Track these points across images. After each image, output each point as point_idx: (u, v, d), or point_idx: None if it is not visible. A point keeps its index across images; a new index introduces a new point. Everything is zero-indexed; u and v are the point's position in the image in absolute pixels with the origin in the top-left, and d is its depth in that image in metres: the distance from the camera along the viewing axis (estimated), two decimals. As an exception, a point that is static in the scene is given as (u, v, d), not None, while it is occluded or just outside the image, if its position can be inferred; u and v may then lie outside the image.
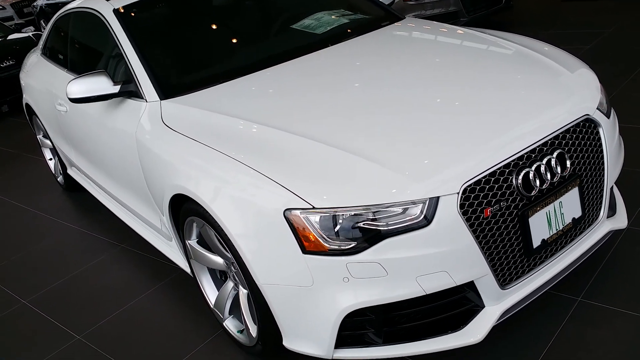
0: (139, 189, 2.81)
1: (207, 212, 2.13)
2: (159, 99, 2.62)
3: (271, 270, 1.95)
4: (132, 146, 2.66)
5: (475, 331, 1.95)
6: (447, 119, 2.07)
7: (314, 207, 1.84)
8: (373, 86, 2.38)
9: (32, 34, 8.39)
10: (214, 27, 3.14)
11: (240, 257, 2.03)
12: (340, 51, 2.83)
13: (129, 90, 2.75)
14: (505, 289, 1.98)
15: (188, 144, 2.30)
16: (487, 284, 1.93)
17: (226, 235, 2.06)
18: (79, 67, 3.44)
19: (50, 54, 4.01)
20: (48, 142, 4.56)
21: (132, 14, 3.04)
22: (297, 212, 1.86)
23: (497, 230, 1.91)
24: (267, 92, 2.51)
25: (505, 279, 1.98)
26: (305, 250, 1.87)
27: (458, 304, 1.96)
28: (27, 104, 4.48)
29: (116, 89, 2.74)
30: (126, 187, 3.00)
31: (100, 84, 2.72)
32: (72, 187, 4.48)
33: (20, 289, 3.33)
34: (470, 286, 1.93)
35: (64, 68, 3.66)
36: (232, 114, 2.34)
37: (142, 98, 2.68)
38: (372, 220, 1.82)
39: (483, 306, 1.98)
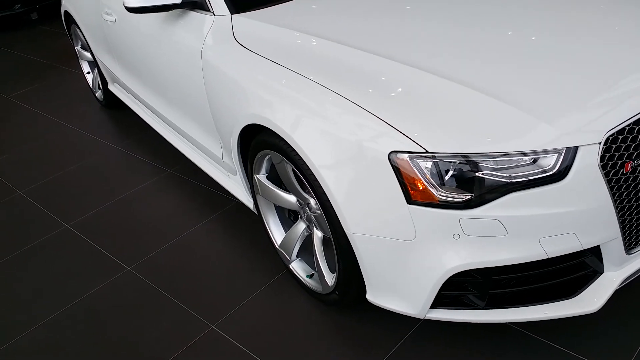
0: (198, 112, 2.55)
1: (288, 146, 1.89)
2: (229, 13, 2.31)
3: (366, 219, 1.71)
4: (196, 65, 2.38)
5: (591, 299, 1.72)
6: (580, 61, 1.76)
7: (426, 151, 1.58)
8: (487, 23, 2.05)
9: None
10: None
11: (327, 201, 1.80)
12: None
13: (193, 1, 2.44)
14: (630, 254, 1.73)
15: (268, 67, 2.02)
16: (612, 248, 1.69)
17: (312, 174, 1.82)
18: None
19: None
20: (87, 54, 4.28)
21: None
22: (405, 155, 1.60)
23: (633, 188, 1.65)
24: (360, 14, 2.19)
25: (631, 242, 1.73)
26: (410, 200, 1.62)
27: (574, 268, 1.73)
28: (66, 12, 4.16)
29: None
30: (182, 110, 2.75)
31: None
32: (112, 104, 4.24)
33: (61, 212, 3.15)
34: (594, 250, 1.69)
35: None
36: (322, 36, 2.04)
37: (209, 11, 2.38)
38: (495, 169, 1.56)
39: (602, 272, 1.74)
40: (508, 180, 1.55)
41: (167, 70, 2.69)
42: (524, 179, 1.55)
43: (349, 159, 1.71)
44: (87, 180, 3.42)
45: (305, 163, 1.84)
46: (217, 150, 2.57)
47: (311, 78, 1.87)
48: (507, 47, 1.87)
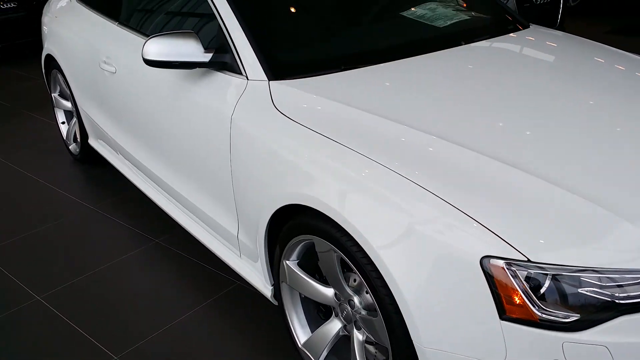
0: (213, 182, 2.28)
1: (343, 233, 1.65)
2: (266, 79, 2.09)
3: (445, 332, 1.46)
4: (222, 130, 2.12)
5: None
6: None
7: (528, 260, 1.36)
8: (563, 109, 1.92)
9: (37, -21, 7.61)
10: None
11: (391, 304, 1.55)
12: (477, 53, 2.37)
13: (223, 62, 2.22)
14: None
15: (319, 141, 1.79)
16: None
17: (373, 270, 1.57)
18: (138, 22, 2.86)
19: (94, 2, 3.40)
20: (66, 103, 3.94)
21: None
22: (501, 262, 1.38)
23: None
24: (415, 90, 2.02)
25: None
26: (504, 315, 1.39)
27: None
28: (49, 55, 3.85)
29: (207, 57, 2.20)
30: (189, 176, 2.46)
31: (188, 47, 2.18)
32: (87, 160, 3.89)
33: (30, 281, 2.74)
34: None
35: (113, 20, 3.07)
36: (378, 112, 1.84)
37: (241, 74, 2.15)
38: (606, 287, 1.36)
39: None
40: (621, 301, 1.35)
41: (180, 132, 2.41)
42: (639, 299, 1.35)
43: (426, 257, 1.47)
44: (60, 245, 3.02)
45: (365, 257, 1.60)
46: (230, 226, 2.28)
47: (374, 158, 1.66)
48: (591, 137, 1.73)
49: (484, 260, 1.39)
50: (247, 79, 2.13)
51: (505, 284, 1.38)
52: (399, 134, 1.75)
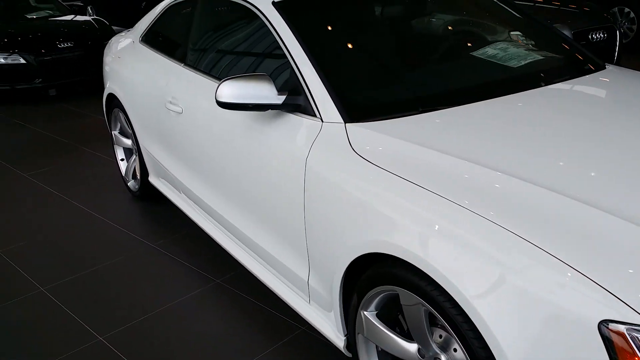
0: (284, 224, 2.22)
1: (433, 285, 1.56)
2: (342, 121, 2.04)
3: (553, 400, 1.35)
4: (295, 173, 2.08)
5: None
6: None
7: (653, 325, 1.25)
8: (632, 149, 1.82)
9: (93, 19, 7.89)
10: (394, 40, 2.59)
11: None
12: (556, 96, 2.28)
13: (296, 104, 2.19)
14: None
15: (402, 186, 1.72)
16: None
17: (470, 329, 1.48)
18: (205, 64, 2.88)
19: (159, 43, 3.46)
20: (126, 141, 3.99)
21: (301, 10, 2.49)
22: (622, 327, 1.27)
23: None
24: (493, 133, 1.94)
25: None
26: (622, 384, 1.28)
27: None
28: (110, 95, 3.91)
29: (280, 99, 2.18)
30: (257, 216, 2.42)
31: (262, 90, 2.16)
32: (146, 197, 3.90)
33: (91, 320, 2.72)
34: None
35: (178, 62, 3.10)
36: (459, 156, 1.77)
37: (315, 116, 2.12)
38: None
39: None
40: None
41: (249, 173, 2.38)
42: None
43: (533, 317, 1.37)
44: (118, 284, 3.00)
45: (454, 307, 1.51)
46: (299, 270, 2.22)
47: (461, 203, 1.57)
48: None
49: (602, 325, 1.29)
50: (322, 121, 2.09)
51: (627, 351, 1.27)
52: (484, 178, 1.66)
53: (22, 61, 6.81)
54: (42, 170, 4.67)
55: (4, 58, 6.77)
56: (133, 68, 3.59)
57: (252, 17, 2.59)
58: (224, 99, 2.18)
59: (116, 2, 12.18)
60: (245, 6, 2.64)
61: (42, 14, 8.17)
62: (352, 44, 2.47)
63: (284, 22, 2.39)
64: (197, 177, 2.89)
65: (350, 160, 1.91)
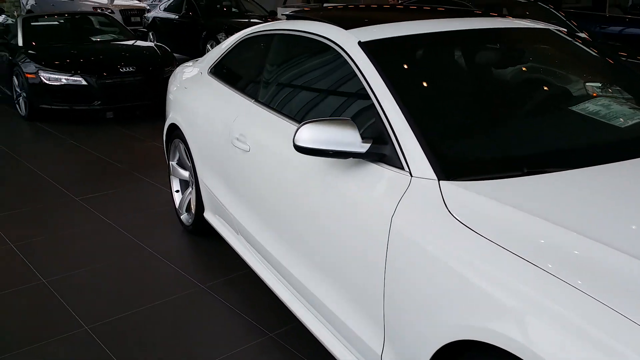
0: (357, 285, 2.01)
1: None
2: (435, 178, 1.83)
3: None
4: (378, 231, 1.87)
5: None
6: None
7: None
8: None
9: (156, 45, 7.96)
10: (492, 90, 2.38)
11: None
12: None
13: (381, 154, 2.00)
14: None
15: (516, 265, 1.48)
16: None
17: None
18: (278, 102, 2.72)
19: (229, 76, 3.34)
20: (184, 173, 3.87)
21: (390, 52, 2.32)
22: None
23: None
24: (609, 204, 1.69)
25: None
26: None
27: None
28: (173, 125, 3.81)
29: (364, 147, 1.99)
30: (325, 271, 2.21)
31: (345, 136, 1.98)
32: (199, 232, 3.75)
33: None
34: None
35: (249, 98, 2.96)
36: (576, 229, 1.53)
37: (402, 169, 1.92)
38: None
39: None
40: None
41: (321, 223, 2.18)
42: None
43: None
44: (167, 328, 2.82)
45: None
46: (372, 341, 1.98)
47: (587, 291, 1.33)
48: None
49: None
50: (411, 176, 1.88)
51: None
52: (606, 258, 1.42)
53: (84, 82, 6.87)
54: (94, 195, 4.59)
55: (66, 78, 6.85)
56: (199, 99, 3.48)
57: (334, 55, 2.43)
58: (303, 142, 2.01)
59: (177, 30, 12.42)
60: (327, 44, 2.49)
61: (107, 37, 8.30)
62: (446, 91, 2.28)
63: (370, 63, 2.22)
64: (259, 221, 2.71)
65: (447, 225, 1.68)
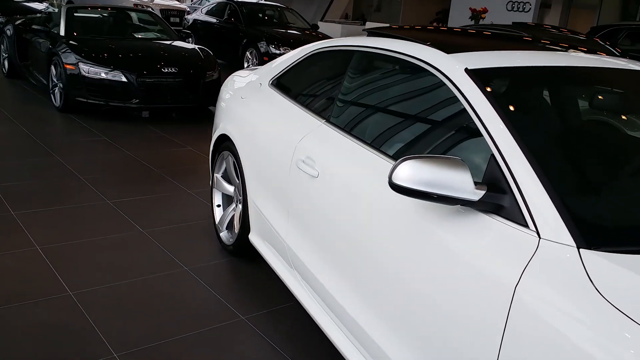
0: (456, 354, 1.68)
1: None
2: (574, 244, 1.51)
3: None
4: (494, 302, 1.54)
5: None
6: None
7: None
8: None
9: (199, 48, 7.74)
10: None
11: None
12: None
13: (499, 204, 1.68)
14: None
15: None
16: None
17: None
18: (362, 128, 2.41)
19: (294, 91, 3.05)
20: (229, 187, 3.58)
21: (503, 85, 2.02)
22: None
23: None
24: None
25: None
26: None
27: None
28: (223, 136, 3.53)
29: (477, 195, 1.67)
30: (413, 333, 1.88)
31: (455, 179, 1.67)
32: (240, 253, 3.45)
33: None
34: None
35: (319, 117, 2.66)
36: None
37: (526, 226, 1.60)
38: None
39: None
40: None
41: (407, 276, 1.86)
42: None
43: None
44: (206, 364, 2.51)
45: None
46: None
47: None
48: None
49: None
50: (539, 237, 1.56)
51: None
52: None
53: (123, 79, 6.64)
54: (128, 200, 4.31)
55: (105, 73, 6.63)
56: (257, 112, 3.19)
57: (431, 81, 2.13)
58: (402, 181, 1.70)
59: (218, 35, 12.25)
60: (422, 67, 2.19)
61: (149, 35, 8.11)
62: (577, 136, 1.96)
63: (482, 95, 1.91)
64: (320, 256, 2.39)
65: (595, 308, 1.36)
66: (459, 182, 1.67)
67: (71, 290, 2.99)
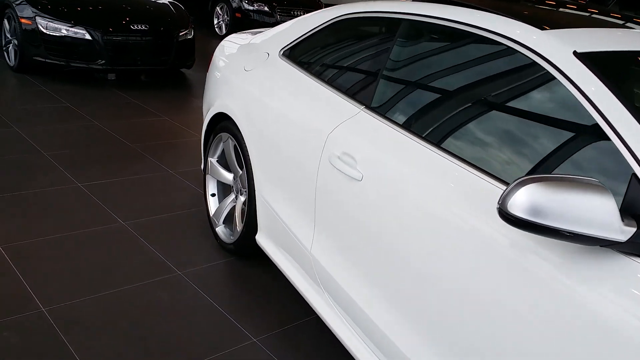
0: None
1: None
2: None
3: None
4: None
5: None
6: None
7: None
8: None
9: (170, 2, 7.00)
10: None
11: None
12: None
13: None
14: None
15: None
16: None
17: None
18: (423, 122, 1.93)
19: (316, 66, 2.51)
20: (225, 174, 3.07)
21: (627, 75, 1.56)
22: None
23: None
24: None
25: None
26: None
27: None
28: (221, 114, 2.99)
29: (624, 233, 1.24)
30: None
31: (594, 210, 1.23)
32: (242, 253, 2.97)
33: None
34: None
35: (357, 103, 2.17)
36: None
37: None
38: None
39: None
40: None
41: (505, 323, 1.43)
42: None
43: None
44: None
45: None
46: None
47: None
48: None
49: None
50: None
51: None
52: None
53: (87, 36, 5.92)
54: (101, 183, 3.74)
55: (67, 29, 5.89)
56: (268, 89, 2.65)
57: (517, 63, 1.66)
58: (521, 212, 1.25)
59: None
60: (507, 45, 1.72)
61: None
62: None
63: (609, 91, 1.46)
64: (368, 282, 1.93)
65: None
66: (601, 215, 1.23)
67: (44, 305, 2.47)
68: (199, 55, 7.33)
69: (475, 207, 1.56)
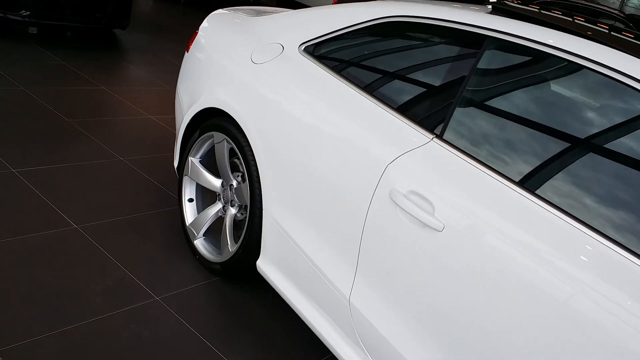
0: None
1: None
2: None
3: None
4: None
5: None
6: None
7: None
8: None
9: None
10: None
11: None
12: None
13: None
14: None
15: None
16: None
17: None
18: (511, 160, 1.61)
19: (354, 73, 2.10)
20: (211, 179, 2.60)
21: None
22: None
23: None
24: None
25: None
26: None
27: None
28: (215, 109, 2.50)
29: None
30: None
31: None
32: (230, 276, 2.54)
33: None
34: None
35: (423, 130, 1.80)
36: None
37: None
38: None
39: None
40: None
41: None
42: None
43: None
44: None
45: None
46: None
47: None
48: None
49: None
50: None
51: None
52: None
53: (7, -19, 5.04)
54: (40, 169, 3.10)
55: (-20, -32, 4.97)
56: (290, 93, 2.20)
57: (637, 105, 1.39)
58: None
59: None
60: (610, 76, 1.44)
61: None
62: None
63: None
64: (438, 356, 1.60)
65: None
66: None
67: (-9, 346, 1.92)
68: (134, 15, 6.55)
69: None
